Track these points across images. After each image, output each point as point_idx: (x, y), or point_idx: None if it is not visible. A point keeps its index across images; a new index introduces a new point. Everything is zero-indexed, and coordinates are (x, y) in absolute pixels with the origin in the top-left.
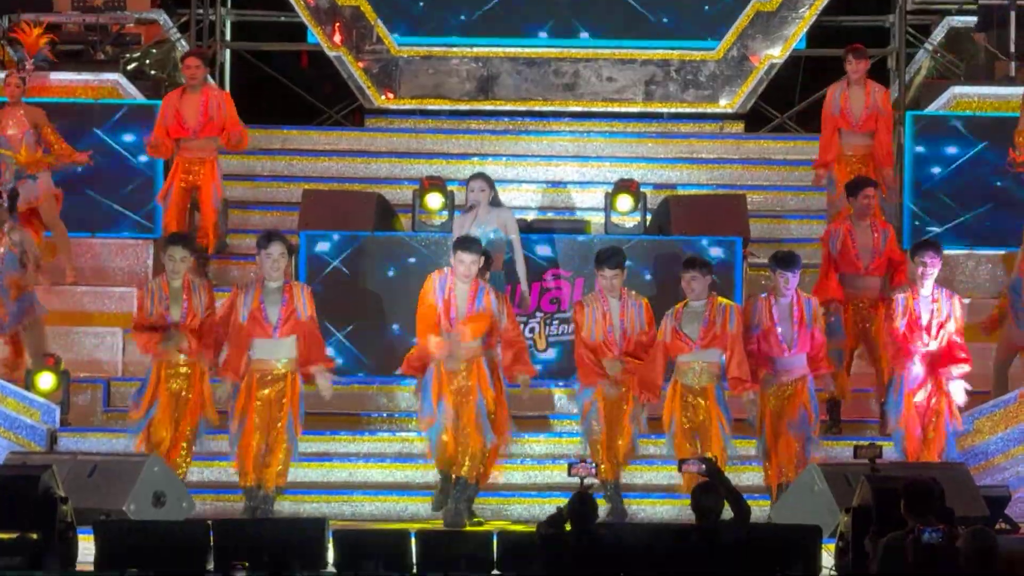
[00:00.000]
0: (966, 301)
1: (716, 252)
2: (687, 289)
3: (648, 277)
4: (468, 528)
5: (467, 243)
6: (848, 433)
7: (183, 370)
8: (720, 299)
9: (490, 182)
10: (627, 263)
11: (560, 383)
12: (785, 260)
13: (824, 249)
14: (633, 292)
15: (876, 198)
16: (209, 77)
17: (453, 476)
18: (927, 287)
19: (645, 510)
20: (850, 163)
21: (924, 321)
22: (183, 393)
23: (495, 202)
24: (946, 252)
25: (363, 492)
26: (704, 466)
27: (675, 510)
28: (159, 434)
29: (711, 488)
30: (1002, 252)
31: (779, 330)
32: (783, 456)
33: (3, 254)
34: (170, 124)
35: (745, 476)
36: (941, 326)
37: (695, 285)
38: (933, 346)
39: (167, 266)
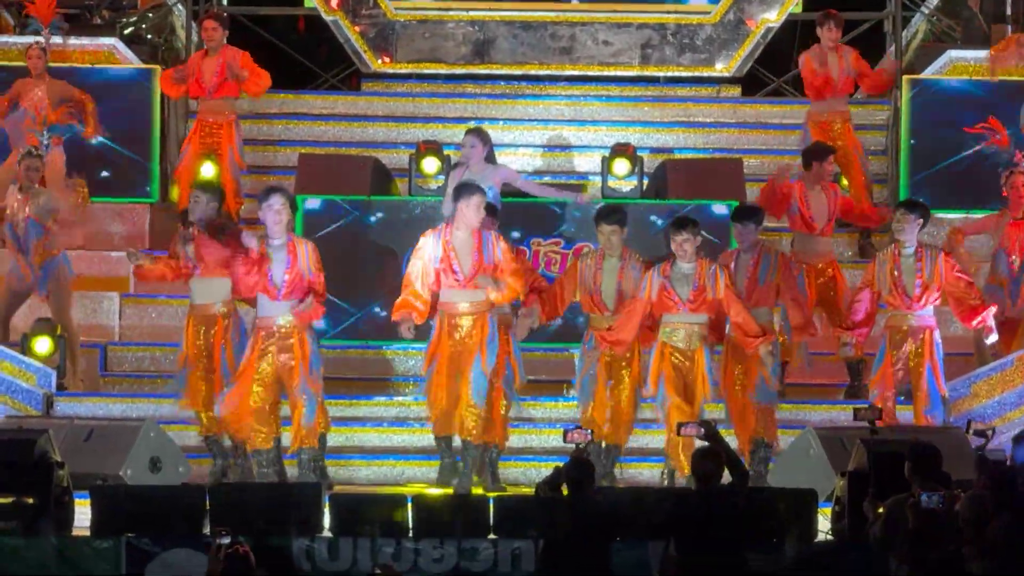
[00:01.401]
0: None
1: (720, 210)
2: (679, 251)
3: (644, 240)
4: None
5: (472, 189)
6: (816, 396)
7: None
8: (708, 261)
9: (483, 137)
10: (627, 223)
11: (559, 347)
12: (738, 213)
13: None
14: (636, 254)
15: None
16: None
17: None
18: (907, 245)
19: (643, 473)
20: (826, 129)
21: (905, 280)
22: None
23: (490, 158)
24: (942, 215)
25: (359, 456)
26: (703, 430)
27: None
28: (196, 387)
29: (711, 452)
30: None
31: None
32: (749, 420)
33: (26, 219)
34: (190, 84)
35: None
36: (926, 287)
37: (687, 247)
38: (919, 308)
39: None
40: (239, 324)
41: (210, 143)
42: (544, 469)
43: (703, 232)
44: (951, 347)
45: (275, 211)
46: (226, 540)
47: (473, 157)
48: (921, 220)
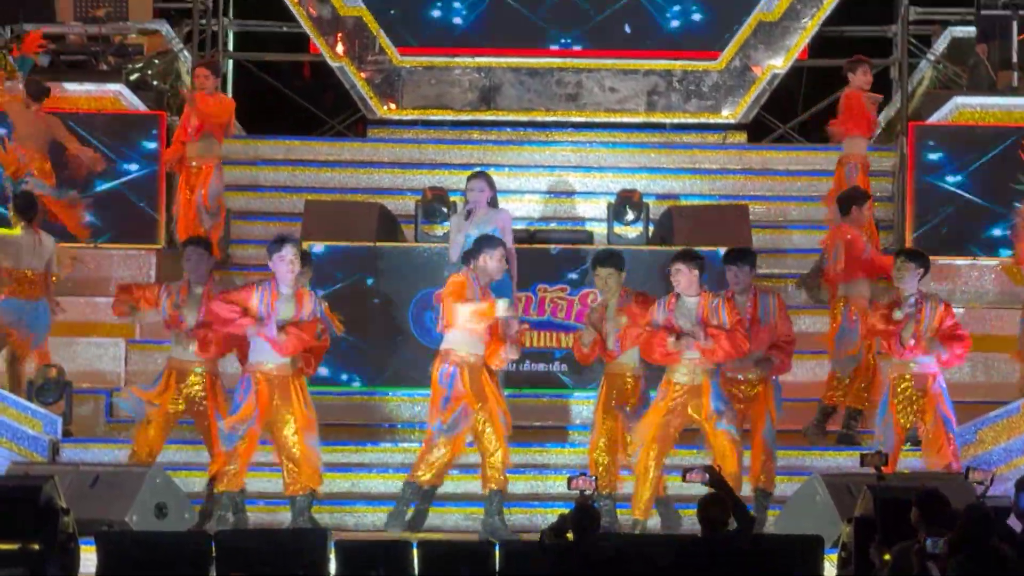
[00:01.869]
0: (958, 310)
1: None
2: (673, 282)
3: (649, 287)
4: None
5: (494, 242)
6: (822, 443)
7: (197, 379)
8: (710, 294)
9: (490, 182)
10: (624, 266)
11: (565, 393)
12: (732, 255)
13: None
14: (631, 292)
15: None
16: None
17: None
18: (906, 294)
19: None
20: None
21: (903, 329)
22: (198, 400)
23: (493, 203)
24: (947, 262)
25: (365, 503)
26: (708, 476)
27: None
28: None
29: (718, 499)
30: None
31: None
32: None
33: None
34: (178, 131)
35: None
36: (921, 337)
37: (680, 278)
38: (919, 356)
39: (186, 267)
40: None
41: (193, 184)
42: (551, 515)
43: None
44: (956, 394)
45: (287, 262)
46: None
47: (481, 202)
48: (921, 270)
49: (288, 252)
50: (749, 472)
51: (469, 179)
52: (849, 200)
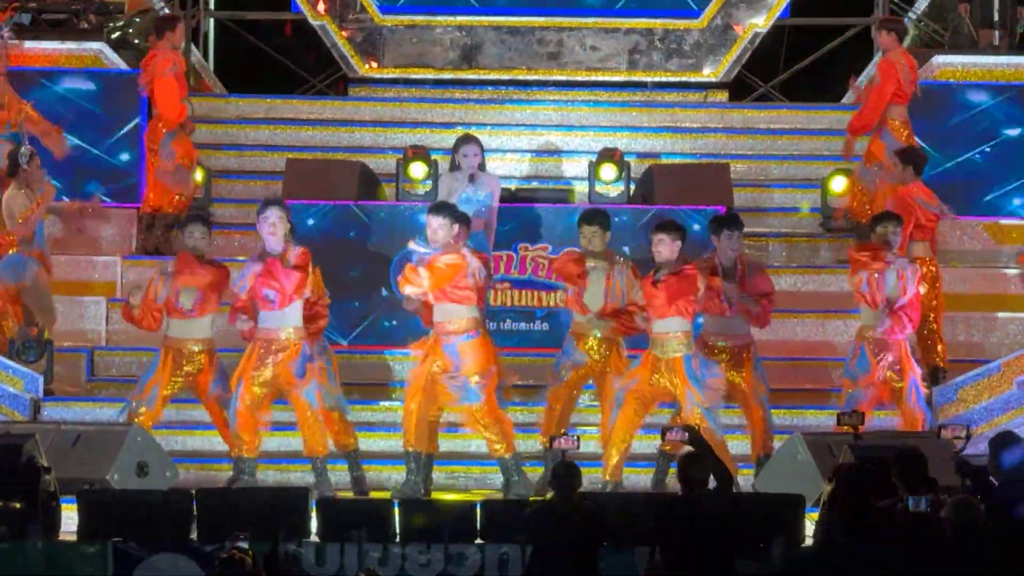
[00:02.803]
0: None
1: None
2: (654, 252)
3: (630, 245)
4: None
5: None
6: (805, 402)
7: (197, 357)
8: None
9: (481, 146)
10: (610, 225)
11: (546, 353)
12: (715, 222)
13: None
14: (620, 258)
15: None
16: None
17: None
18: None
19: (629, 479)
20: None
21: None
22: (196, 376)
23: (482, 166)
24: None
25: (338, 461)
26: (687, 435)
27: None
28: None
29: (698, 458)
30: (986, 221)
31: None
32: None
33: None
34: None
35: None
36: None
37: (661, 248)
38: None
39: (188, 243)
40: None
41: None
42: (531, 474)
43: None
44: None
45: (270, 223)
46: (243, 544)
47: (474, 166)
48: (900, 229)
49: (271, 214)
50: (751, 442)
51: (461, 143)
52: (922, 160)
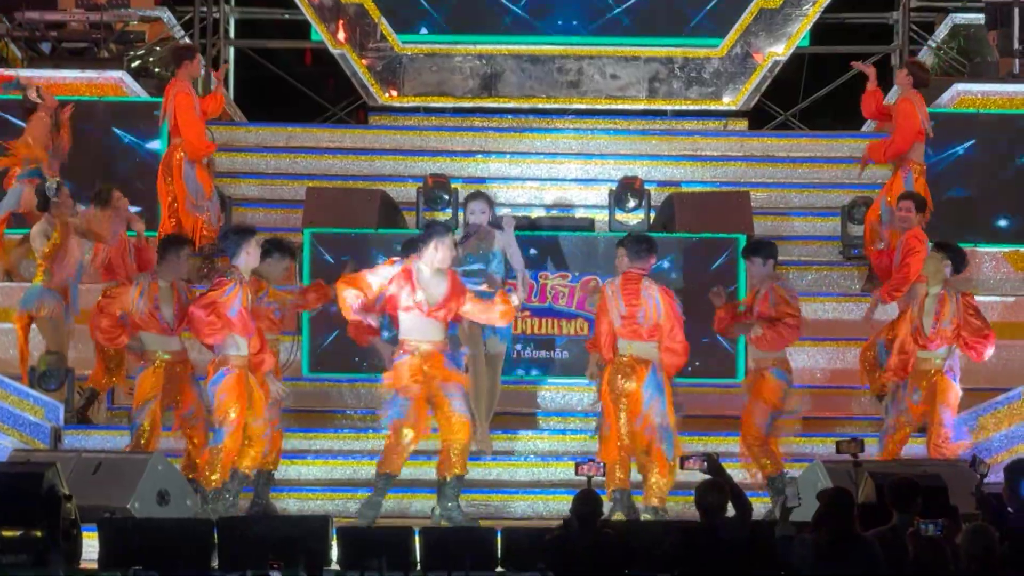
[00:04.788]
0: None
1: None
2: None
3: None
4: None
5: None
6: (825, 430)
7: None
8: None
9: (490, 203)
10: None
11: (567, 380)
12: (746, 249)
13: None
14: (646, 281)
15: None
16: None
17: (443, 477)
18: (931, 286)
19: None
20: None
21: (926, 325)
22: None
23: (493, 223)
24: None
25: (367, 489)
26: (706, 463)
27: (678, 507)
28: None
29: (716, 485)
30: (1008, 249)
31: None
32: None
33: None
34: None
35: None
36: (942, 329)
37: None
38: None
39: (172, 266)
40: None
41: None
42: (552, 502)
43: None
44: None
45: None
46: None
47: (482, 224)
48: (949, 262)
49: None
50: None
51: (469, 199)
52: (926, 206)
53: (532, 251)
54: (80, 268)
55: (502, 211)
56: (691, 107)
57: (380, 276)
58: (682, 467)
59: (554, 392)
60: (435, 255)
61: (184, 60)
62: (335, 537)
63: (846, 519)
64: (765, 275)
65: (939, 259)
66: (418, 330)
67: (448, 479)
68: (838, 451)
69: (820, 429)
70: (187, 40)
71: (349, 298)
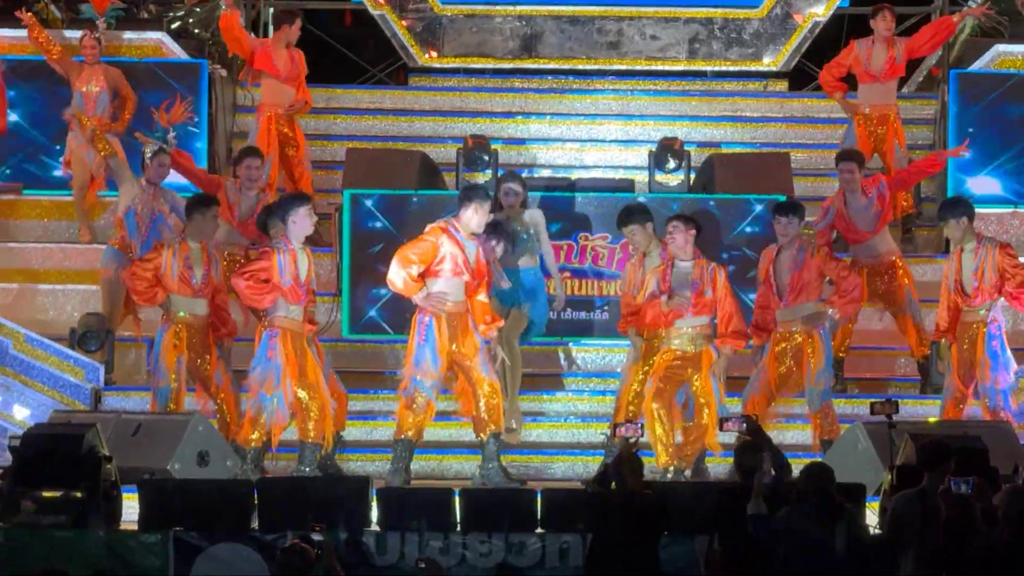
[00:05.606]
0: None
1: (759, 207)
2: (668, 240)
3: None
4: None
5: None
6: (871, 391)
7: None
8: (705, 260)
9: (523, 184)
10: (647, 219)
11: (606, 342)
12: (779, 206)
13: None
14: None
15: (858, 173)
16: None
17: (480, 438)
18: (969, 244)
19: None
20: (869, 122)
21: (966, 278)
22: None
23: (524, 203)
24: (990, 211)
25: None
26: (745, 424)
27: (719, 468)
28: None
29: (753, 447)
30: None
31: (774, 280)
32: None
33: (155, 214)
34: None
35: (790, 434)
36: (981, 284)
37: (677, 237)
38: (981, 301)
39: (199, 226)
40: None
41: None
42: (591, 463)
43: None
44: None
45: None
46: (317, 536)
47: (515, 205)
48: (966, 218)
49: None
50: (812, 427)
51: (503, 180)
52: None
53: (574, 211)
54: (153, 228)
55: (541, 172)
56: (731, 68)
57: (425, 246)
58: (721, 428)
59: (593, 353)
60: (473, 218)
61: (283, 24)
62: (375, 498)
63: (827, 493)
64: (794, 235)
65: (955, 222)
66: (446, 289)
67: (485, 439)
68: (872, 412)
69: (862, 390)
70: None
71: (413, 274)
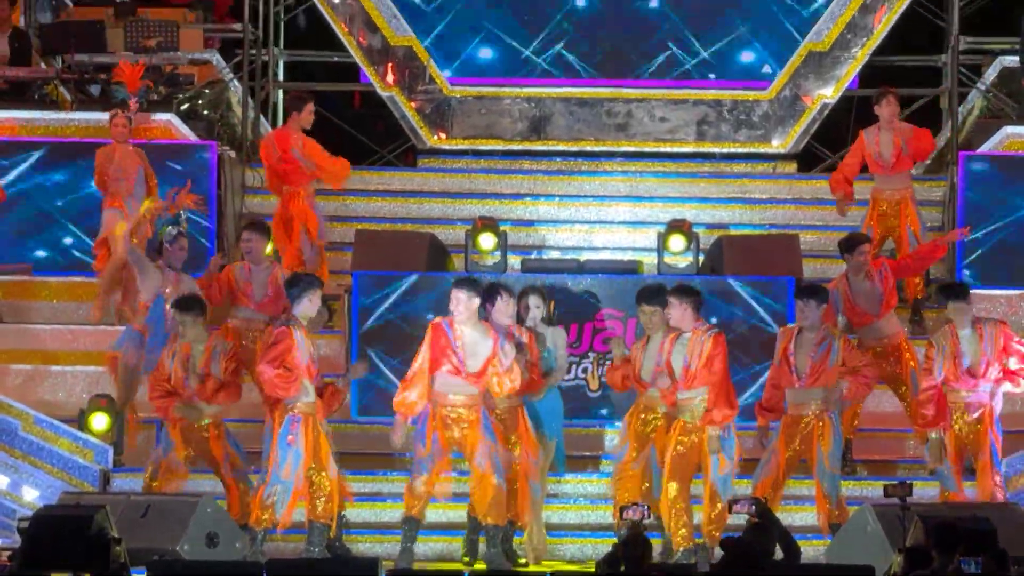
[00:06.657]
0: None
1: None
2: (666, 314)
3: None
4: (520, 568)
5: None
6: (881, 473)
7: (204, 432)
8: (701, 330)
9: (544, 296)
10: (664, 305)
11: (614, 424)
12: (801, 290)
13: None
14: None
15: (871, 254)
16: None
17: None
18: (962, 328)
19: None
20: (880, 209)
21: (967, 362)
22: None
23: (549, 321)
24: (999, 292)
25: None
26: (754, 507)
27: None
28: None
29: (763, 529)
30: None
31: (793, 360)
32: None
33: None
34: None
35: (799, 516)
36: (989, 364)
37: (655, 319)
38: (983, 386)
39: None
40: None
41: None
42: (601, 545)
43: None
44: (1008, 423)
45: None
46: None
47: (536, 319)
48: (960, 301)
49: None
50: (817, 509)
51: (523, 294)
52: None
53: (596, 291)
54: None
55: (550, 254)
56: (740, 150)
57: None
58: (730, 511)
59: (600, 435)
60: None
61: (293, 111)
62: None
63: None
64: (817, 320)
65: (953, 305)
66: (451, 388)
67: (486, 525)
68: (885, 495)
69: (870, 472)
70: (235, 83)
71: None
